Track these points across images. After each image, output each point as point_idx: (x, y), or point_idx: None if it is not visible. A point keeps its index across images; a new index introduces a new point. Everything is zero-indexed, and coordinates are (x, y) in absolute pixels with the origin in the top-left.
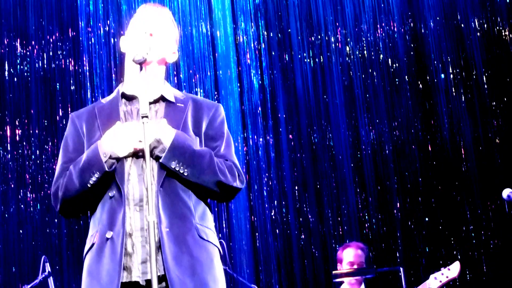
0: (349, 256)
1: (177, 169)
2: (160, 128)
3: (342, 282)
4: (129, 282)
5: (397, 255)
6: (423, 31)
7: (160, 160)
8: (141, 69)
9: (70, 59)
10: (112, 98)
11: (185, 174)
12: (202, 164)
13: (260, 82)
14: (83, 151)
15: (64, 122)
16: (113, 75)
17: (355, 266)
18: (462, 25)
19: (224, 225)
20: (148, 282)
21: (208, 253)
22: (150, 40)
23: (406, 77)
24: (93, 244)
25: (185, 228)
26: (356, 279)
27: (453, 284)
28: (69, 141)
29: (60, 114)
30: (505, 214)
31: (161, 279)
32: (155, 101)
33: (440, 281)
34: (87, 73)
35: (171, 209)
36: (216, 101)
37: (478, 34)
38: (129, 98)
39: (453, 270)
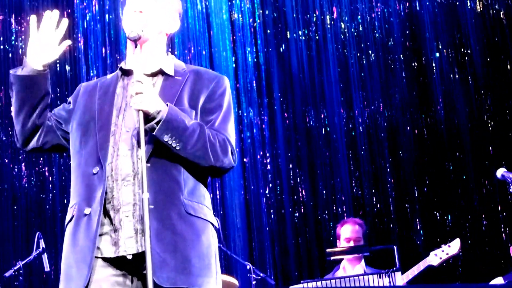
0: (346, 232)
1: (169, 142)
2: (158, 98)
3: (341, 259)
4: (116, 257)
5: (391, 233)
6: (418, 9)
7: (154, 132)
8: (135, 46)
9: (64, 36)
10: (114, 74)
11: (177, 148)
12: (194, 138)
13: (255, 60)
14: (68, 115)
15: (58, 98)
16: (108, 52)
17: (352, 242)
18: (458, 4)
19: (218, 203)
20: (135, 257)
21: (195, 229)
22: (140, 17)
23: (401, 55)
24: (72, 217)
25: (170, 204)
26: (353, 256)
27: (447, 262)
28: (67, 102)
29: (55, 91)
30: (499, 193)
31: (141, 256)
32: (154, 75)
33: (441, 258)
34: (82, 50)
35: (157, 185)
36: None
37: (473, 14)
38: (127, 73)
39: (454, 247)
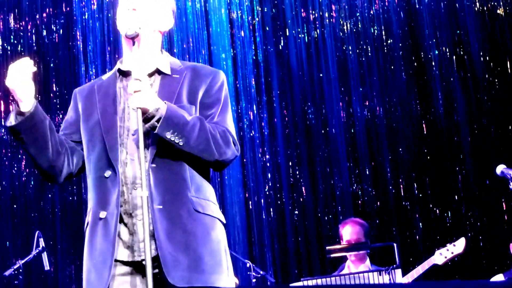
0: (347, 234)
1: (172, 139)
2: (156, 96)
3: (345, 259)
4: (133, 261)
5: (391, 230)
6: (417, 6)
7: (156, 131)
8: (133, 43)
9: (63, 34)
10: (110, 75)
11: (180, 144)
12: (195, 132)
13: (254, 57)
14: (75, 126)
15: (57, 97)
16: (107, 50)
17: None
18: (457, 1)
19: (218, 201)
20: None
21: (204, 226)
22: (134, 15)
23: (400, 52)
24: (88, 222)
25: (179, 203)
26: (356, 256)
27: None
28: (67, 115)
29: (54, 89)
30: (499, 190)
31: (156, 258)
32: (151, 74)
33: (445, 257)
34: (81, 48)
35: (164, 185)
36: None
37: (472, 10)
38: (125, 74)
39: (459, 246)
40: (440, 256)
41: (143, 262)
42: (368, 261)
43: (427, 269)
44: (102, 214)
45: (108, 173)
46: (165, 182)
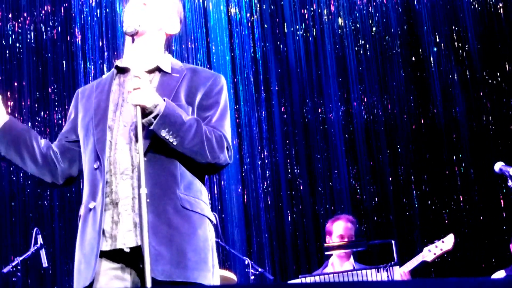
0: (339, 229)
1: (167, 137)
2: (155, 93)
3: (331, 255)
4: (114, 250)
5: (389, 227)
6: (416, 3)
7: (151, 127)
8: (133, 41)
9: (62, 31)
10: (109, 73)
11: (174, 143)
12: (191, 133)
13: (252, 54)
14: (72, 124)
15: (56, 94)
16: (105, 47)
17: (345, 239)
18: None
19: (216, 198)
20: (132, 250)
21: (191, 223)
22: (143, 10)
23: (398, 49)
24: (81, 215)
25: (166, 198)
26: (344, 252)
27: (448, 256)
28: (68, 115)
29: (52, 86)
30: (498, 187)
31: (139, 249)
32: (151, 71)
33: (434, 254)
34: (79, 45)
35: (153, 179)
36: None
37: (471, 7)
38: (123, 70)
39: (447, 242)
40: (429, 253)
41: (126, 250)
42: (352, 259)
43: (416, 266)
44: (92, 205)
45: (96, 164)
46: (155, 177)
